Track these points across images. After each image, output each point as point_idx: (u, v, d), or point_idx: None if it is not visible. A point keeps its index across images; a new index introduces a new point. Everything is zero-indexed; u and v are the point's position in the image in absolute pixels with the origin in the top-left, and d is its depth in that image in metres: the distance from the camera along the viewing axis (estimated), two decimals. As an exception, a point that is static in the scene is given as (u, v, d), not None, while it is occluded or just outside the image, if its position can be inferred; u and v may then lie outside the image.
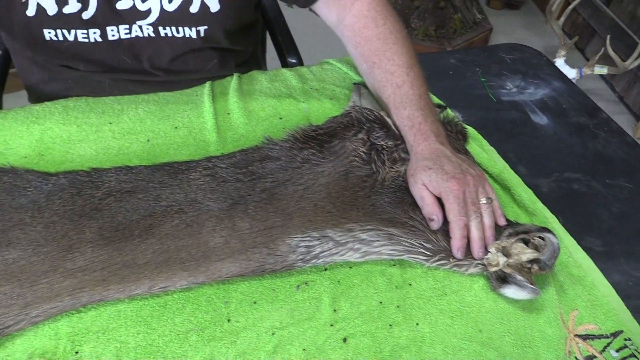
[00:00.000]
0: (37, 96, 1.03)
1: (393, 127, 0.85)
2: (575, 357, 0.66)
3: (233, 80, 0.95)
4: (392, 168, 0.81)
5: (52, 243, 0.69)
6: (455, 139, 0.88)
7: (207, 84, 0.94)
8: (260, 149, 0.83)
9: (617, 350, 0.67)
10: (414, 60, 0.87)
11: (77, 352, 0.61)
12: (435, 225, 0.73)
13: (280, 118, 0.91)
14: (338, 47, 0.98)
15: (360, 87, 0.96)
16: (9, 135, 0.83)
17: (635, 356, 0.66)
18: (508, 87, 1.06)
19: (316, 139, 0.84)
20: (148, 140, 0.85)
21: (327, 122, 0.88)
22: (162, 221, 0.72)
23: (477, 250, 0.72)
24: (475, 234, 0.72)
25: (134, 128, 0.86)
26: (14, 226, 0.71)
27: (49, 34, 0.87)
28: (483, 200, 0.74)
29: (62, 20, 0.86)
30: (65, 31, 0.88)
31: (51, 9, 0.85)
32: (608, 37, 2.17)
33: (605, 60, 2.27)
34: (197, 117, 0.89)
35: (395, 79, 0.85)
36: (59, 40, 0.88)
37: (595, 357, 0.66)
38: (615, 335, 0.69)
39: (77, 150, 0.82)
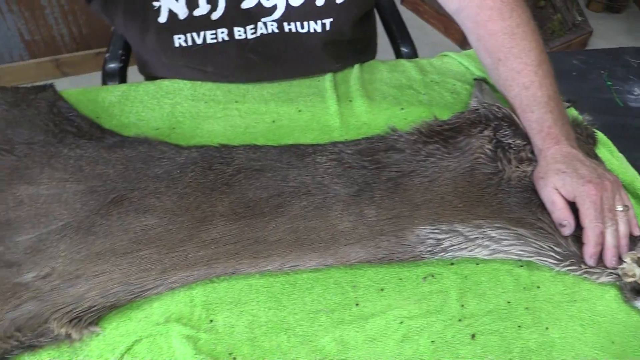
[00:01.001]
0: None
1: (521, 125, 0.82)
2: None
3: (354, 68, 0.96)
4: (519, 167, 0.79)
5: (186, 213, 0.71)
6: (585, 143, 0.84)
7: (329, 75, 0.95)
8: (385, 139, 0.83)
9: None
10: (543, 56, 0.83)
11: (211, 321, 0.63)
12: (567, 231, 0.71)
13: (402, 109, 0.90)
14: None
15: (482, 82, 0.94)
16: (141, 108, 0.87)
17: None
18: (636, 93, 1.01)
19: (441, 134, 0.83)
20: (273, 122, 0.86)
21: (453, 117, 0.87)
22: (290, 201, 0.73)
23: (610, 258, 0.69)
24: (610, 241, 0.69)
25: (259, 109, 0.88)
26: (150, 194, 0.74)
27: (178, 40, 0.87)
28: (619, 208, 0.71)
29: (192, 24, 0.86)
30: (194, 34, 0.88)
31: (182, 13, 0.85)
32: None
33: None
34: (320, 102, 0.90)
35: (522, 78, 0.82)
36: (188, 46, 0.88)
37: None
38: None
39: (205, 126, 0.85)
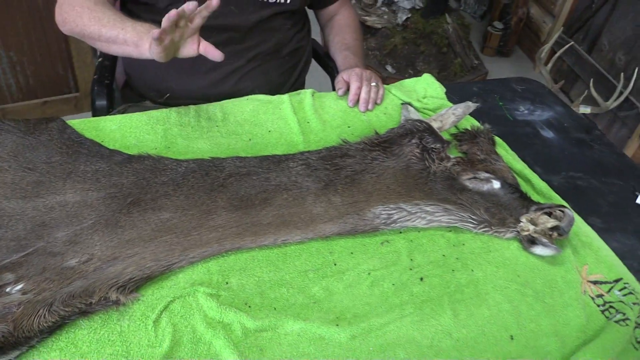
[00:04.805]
0: None
1: (439, 133, 1.09)
2: (589, 295, 0.89)
3: (307, 96, 1.19)
4: (440, 164, 1.05)
5: (194, 208, 0.90)
6: (487, 143, 1.12)
7: (286, 97, 1.18)
8: (340, 149, 1.06)
9: (620, 290, 0.90)
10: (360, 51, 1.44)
11: (227, 283, 0.82)
12: (340, 92, 1.24)
13: (349, 127, 1.15)
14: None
15: (408, 106, 1.21)
16: (139, 132, 1.05)
17: (632, 293, 0.89)
18: (521, 110, 1.32)
19: (380, 145, 1.08)
20: (250, 140, 1.07)
21: (388, 132, 1.12)
22: (274, 195, 0.94)
23: (364, 106, 1.21)
24: (364, 95, 1.20)
25: (236, 130, 1.09)
26: (162, 196, 0.92)
27: None
28: (373, 83, 1.23)
29: None
30: None
31: None
32: (592, 80, 2.48)
33: (588, 101, 2.58)
34: (284, 124, 1.12)
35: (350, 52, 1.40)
36: None
37: (603, 295, 0.89)
38: (616, 281, 0.92)
39: (195, 145, 1.04)
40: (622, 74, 2.43)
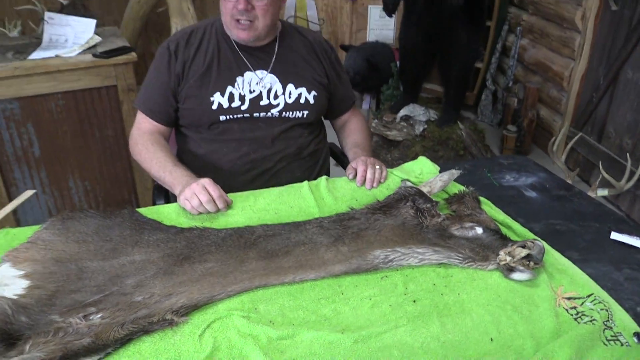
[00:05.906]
0: (190, 156, 1.65)
1: (429, 195, 1.32)
2: (563, 307, 1.05)
3: (322, 181, 1.47)
4: (432, 220, 1.27)
5: (230, 259, 1.15)
6: (473, 201, 1.34)
7: (305, 183, 1.46)
8: (348, 213, 1.31)
9: (591, 302, 1.05)
10: (368, 148, 1.77)
11: (256, 309, 1.03)
12: (351, 176, 1.51)
13: (356, 200, 1.40)
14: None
15: (406, 181, 1.46)
16: (189, 214, 1.33)
17: (601, 302, 1.05)
18: (506, 178, 1.54)
19: (381, 208, 1.32)
20: (275, 213, 1.34)
21: (386, 199, 1.36)
22: (294, 249, 1.18)
23: (369, 185, 1.46)
24: (369, 176, 1.47)
25: (266, 207, 1.36)
26: (206, 253, 1.17)
27: (222, 117, 1.57)
28: (377, 166, 1.50)
29: (230, 110, 1.57)
30: (230, 116, 1.58)
31: (225, 104, 1.56)
32: (600, 162, 2.67)
33: (605, 184, 2.74)
34: (303, 201, 1.38)
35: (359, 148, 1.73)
36: (227, 119, 1.58)
37: (576, 307, 1.05)
38: (589, 296, 1.07)
39: (232, 220, 1.31)
40: (628, 155, 2.63)
